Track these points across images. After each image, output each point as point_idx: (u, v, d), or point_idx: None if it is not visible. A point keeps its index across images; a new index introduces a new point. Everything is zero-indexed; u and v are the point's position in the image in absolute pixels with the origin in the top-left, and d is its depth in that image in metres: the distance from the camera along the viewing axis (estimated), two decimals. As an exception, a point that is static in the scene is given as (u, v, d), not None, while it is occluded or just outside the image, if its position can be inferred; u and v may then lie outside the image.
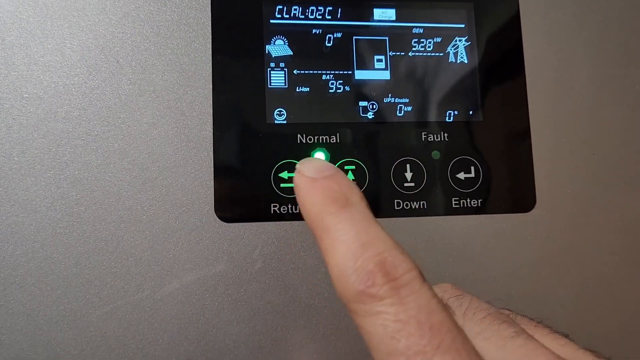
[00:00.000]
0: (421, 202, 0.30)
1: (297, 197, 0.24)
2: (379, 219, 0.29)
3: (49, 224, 0.27)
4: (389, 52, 0.31)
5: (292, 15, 0.30)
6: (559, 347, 0.20)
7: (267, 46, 0.30)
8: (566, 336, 0.21)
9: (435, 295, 0.20)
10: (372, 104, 0.30)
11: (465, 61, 0.32)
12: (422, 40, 0.31)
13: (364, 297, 0.19)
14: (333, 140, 0.30)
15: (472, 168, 0.31)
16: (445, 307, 0.20)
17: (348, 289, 0.20)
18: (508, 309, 0.23)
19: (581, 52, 0.33)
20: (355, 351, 0.28)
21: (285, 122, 0.30)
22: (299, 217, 0.29)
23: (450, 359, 0.18)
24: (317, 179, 0.23)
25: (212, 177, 0.28)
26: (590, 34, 0.33)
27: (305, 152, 0.29)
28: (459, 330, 0.19)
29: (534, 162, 0.31)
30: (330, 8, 0.31)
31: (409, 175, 0.30)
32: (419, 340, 0.18)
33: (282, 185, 0.29)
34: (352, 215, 0.22)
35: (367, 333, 0.19)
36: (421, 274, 0.20)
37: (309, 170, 0.24)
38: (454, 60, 0.31)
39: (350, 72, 0.30)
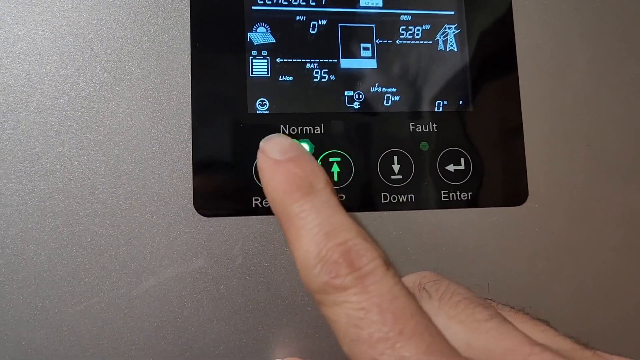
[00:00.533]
0: (409, 195, 0.29)
1: (261, 179, 0.23)
2: (365, 213, 0.29)
3: (20, 219, 0.26)
4: (376, 39, 0.30)
5: (274, 1, 0.29)
6: (538, 332, 0.20)
7: (248, 33, 0.29)
8: (547, 323, 0.21)
9: (399, 282, 0.19)
10: (358, 94, 0.29)
11: (455, 49, 0.30)
12: (410, 27, 0.30)
13: (328, 287, 0.19)
14: (317, 131, 0.29)
15: (462, 160, 0.29)
16: (410, 294, 0.19)
17: (313, 280, 0.20)
18: (490, 299, 0.22)
19: (576, 40, 0.31)
20: (339, 350, 0.27)
21: (267, 112, 0.28)
22: (281, 210, 0.28)
23: (414, 344, 0.17)
24: (280, 162, 0.22)
25: (191, 170, 0.27)
26: (585, 21, 0.32)
27: (289, 143, 0.28)
28: (423, 315, 0.19)
29: (526, 153, 0.30)
30: (315, -6, 0.30)
31: (396, 167, 0.29)
32: (381, 327, 0.18)
33: (264, 177, 0.28)
34: (316, 204, 0.21)
35: (333, 322, 0.19)
36: (386, 262, 0.20)
37: (272, 150, 0.23)
38: (443, 49, 0.30)
39: (335, 61, 0.29)
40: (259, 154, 0.23)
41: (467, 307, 0.20)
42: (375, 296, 0.19)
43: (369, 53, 0.30)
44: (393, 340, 0.18)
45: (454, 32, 0.30)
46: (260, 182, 0.24)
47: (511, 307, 0.22)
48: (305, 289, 0.20)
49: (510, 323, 0.19)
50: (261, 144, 0.23)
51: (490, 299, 0.22)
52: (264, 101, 0.28)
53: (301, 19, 0.29)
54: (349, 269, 0.19)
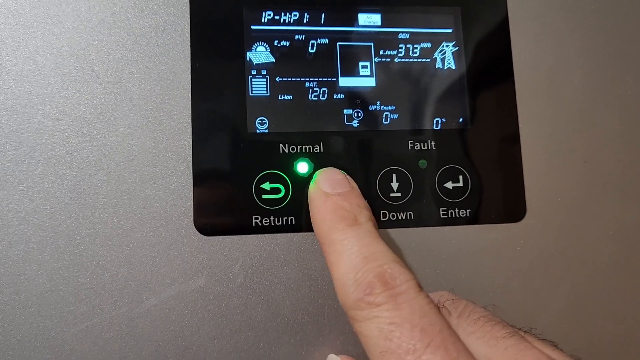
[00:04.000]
0: (408, 213, 0.29)
1: (310, 208, 0.26)
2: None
3: (22, 239, 0.26)
4: (375, 58, 0.30)
5: (274, 20, 0.29)
6: (549, 351, 0.21)
7: (248, 53, 0.29)
8: (554, 344, 0.22)
9: (430, 302, 0.21)
10: (357, 112, 0.30)
11: (453, 67, 0.31)
12: (408, 45, 0.30)
13: (362, 304, 0.21)
14: (317, 149, 0.29)
15: (461, 177, 0.30)
16: (440, 312, 0.21)
17: (348, 297, 0.21)
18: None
19: (572, 57, 0.32)
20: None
21: (267, 131, 0.29)
22: (281, 229, 0.28)
23: (439, 356, 0.19)
24: (330, 195, 0.25)
25: (192, 189, 0.27)
26: (581, 38, 0.32)
27: (288, 162, 0.28)
28: (451, 332, 0.20)
29: (524, 170, 0.30)
30: (314, 13, 0.30)
31: (395, 185, 0.29)
32: (409, 340, 0.19)
33: (264, 196, 0.28)
34: (358, 233, 0.23)
35: (364, 336, 0.21)
36: (418, 285, 0.21)
37: (324, 184, 0.25)
38: (441, 66, 0.31)
39: (334, 79, 0.30)
40: (312, 184, 0.26)
41: (485, 324, 0.21)
42: (407, 312, 0.20)
43: (367, 71, 0.30)
44: (420, 352, 0.19)
45: (452, 49, 0.31)
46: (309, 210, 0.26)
47: (519, 328, 0.22)
48: (342, 306, 0.22)
49: (527, 341, 0.21)
50: (316, 175, 0.26)
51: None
52: (264, 120, 0.29)
53: (300, 38, 0.30)
54: (383, 287, 0.21)
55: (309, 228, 0.28)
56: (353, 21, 0.30)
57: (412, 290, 0.21)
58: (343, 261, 0.22)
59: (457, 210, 0.29)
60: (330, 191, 0.25)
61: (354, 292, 0.21)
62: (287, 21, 0.30)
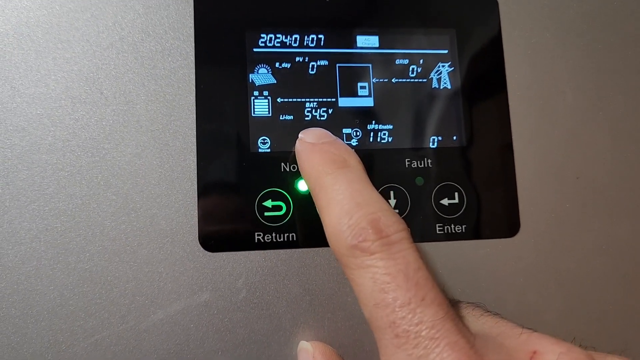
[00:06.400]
0: (405, 229, 0.30)
1: (298, 162, 0.25)
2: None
3: (34, 256, 0.27)
4: (373, 79, 0.31)
5: (275, 43, 0.31)
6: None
7: (250, 75, 0.30)
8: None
9: (422, 256, 0.21)
10: (356, 131, 0.31)
11: (449, 87, 0.32)
12: (405, 66, 0.31)
13: (356, 251, 0.20)
14: (317, 167, 0.30)
15: (456, 194, 0.31)
16: (429, 269, 0.21)
17: (341, 244, 0.21)
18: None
19: (564, 76, 0.33)
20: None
21: (269, 150, 0.30)
22: (282, 245, 0.29)
23: (434, 310, 0.19)
24: (316, 144, 0.25)
25: (196, 207, 0.29)
26: (573, 58, 0.33)
27: (290, 180, 0.29)
28: (442, 290, 0.21)
29: (517, 186, 0.31)
30: (314, 36, 0.31)
31: (392, 201, 0.30)
32: (405, 292, 0.19)
33: (266, 214, 0.29)
34: (348, 176, 0.23)
35: (357, 285, 0.21)
36: (410, 236, 0.22)
37: (309, 137, 0.25)
38: (437, 86, 0.32)
39: (334, 100, 0.31)
40: (297, 142, 0.26)
41: (463, 307, 0.24)
42: (402, 264, 0.20)
43: (366, 92, 0.31)
44: (414, 305, 0.19)
45: (447, 70, 0.32)
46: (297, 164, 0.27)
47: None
48: (334, 252, 0.22)
49: (498, 316, 0.23)
50: (300, 134, 0.26)
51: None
52: (266, 140, 0.30)
53: (301, 60, 0.31)
54: (377, 235, 0.20)
55: (310, 244, 0.29)
56: (352, 43, 0.31)
57: (406, 241, 0.21)
58: (335, 206, 0.22)
59: (453, 226, 0.30)
60: (316, 141, 0.25)
61: (347, 238, 0.21)
62: (287, 44, 0.31)
